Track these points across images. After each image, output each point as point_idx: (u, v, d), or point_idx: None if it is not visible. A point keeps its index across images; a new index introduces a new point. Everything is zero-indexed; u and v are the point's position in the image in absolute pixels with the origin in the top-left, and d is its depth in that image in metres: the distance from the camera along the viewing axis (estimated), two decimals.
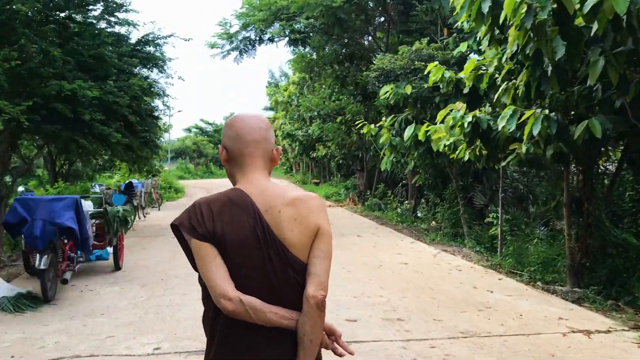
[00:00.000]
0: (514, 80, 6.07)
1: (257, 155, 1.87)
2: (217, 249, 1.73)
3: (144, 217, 15.99)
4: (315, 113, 25.07)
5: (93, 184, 8.07)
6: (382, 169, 14.59)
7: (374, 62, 11.51)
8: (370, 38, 19.29)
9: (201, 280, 1.80)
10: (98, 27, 11.50)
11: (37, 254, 6.41)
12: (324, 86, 24.51)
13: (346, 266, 8.62)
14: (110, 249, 8.41)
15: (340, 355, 1.92)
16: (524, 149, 6.46)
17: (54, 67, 9.20)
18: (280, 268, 1.74)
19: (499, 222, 9.30)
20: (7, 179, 16.05)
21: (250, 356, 1.77)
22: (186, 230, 1.76)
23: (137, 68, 12.28)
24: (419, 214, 15.38)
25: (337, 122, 20.88)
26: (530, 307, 6.28)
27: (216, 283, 1.71)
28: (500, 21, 5.30)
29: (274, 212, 1.77)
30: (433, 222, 13.84)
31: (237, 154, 1.86)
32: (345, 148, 21.42)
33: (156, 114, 13.97)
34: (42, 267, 6.32)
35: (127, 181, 14.62)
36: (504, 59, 6.18)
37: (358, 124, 12.18)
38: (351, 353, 1.90)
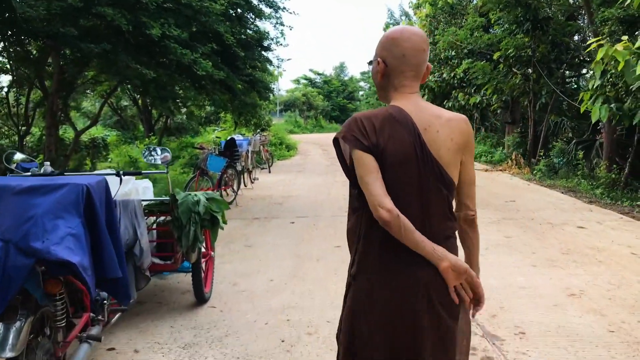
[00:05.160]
0: None
1: (417, 77, 1.91)
2: (377, 162, 1.78)
3: (252, 183, 12.34)
4: (453, 52, 20.21)
5: (148, 147, 4.06)
6: (592, 120, 9.82)
7: None
8: None
9: (354, 189, 1.89)
10: None
11: None
12: (466, 17, 19.52)
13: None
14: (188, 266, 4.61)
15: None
16: None
17: None
18: (434, 185, 1.81)
19: None
20: (66, 131, 12.76)
21: (408, 270, 1.81)
22: (349, 142, 1.81)
23: None
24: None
25: (495, 59, 15.91)
26: None
27: (378, 192, 1.76)
28: None
29: (432, 131, 1.83)
30: None
31: (398, 73, 1.89)
32: (505, 94, 16.45)
33: (266, 43, 9.95)
34: (8, 354, 2.56)
35: (228, 138, 10.91)
36: None
37: (592, 43, 7.40)
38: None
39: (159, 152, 3.99)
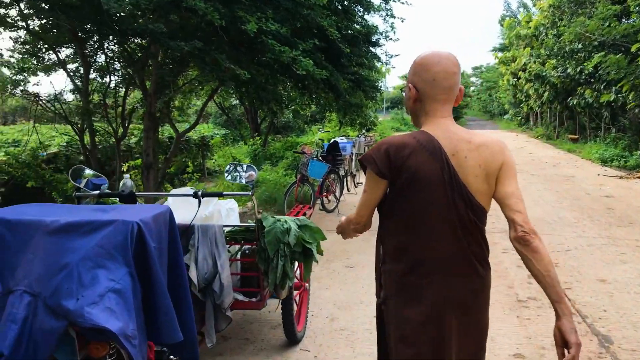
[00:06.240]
0: None
1: (448, 100, 1.90)
2: (400, 189, 1.85)
3: (356, 187, 11.58)
4: (580, 45, 18.18)
5: (233, 162, 3.37)
6: None
7: None
8: None
9: (384, 209, 1.96)
10: None
11: None
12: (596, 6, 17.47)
13: None
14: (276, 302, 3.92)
15: None
16: None
17: None
18: (463, 210, 1.81)
19: None
20: (166, 132, 12.54)
21: (432, 287, 1.87)
22: (369, 163, 1.89)
23: None
24: None
25: (632, 52, 13.99)
26: None
27: (364, 210, 1.98)
28: None
29: (460, 156, 1.83)
30: None
31: (429, 97, 1.90)
32: None
33: (374, 38, 9.13)
34: None
35: (331, 140, 10.24)
36: None
37: None
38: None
39: (244, 168, 3.33)
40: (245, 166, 3.33)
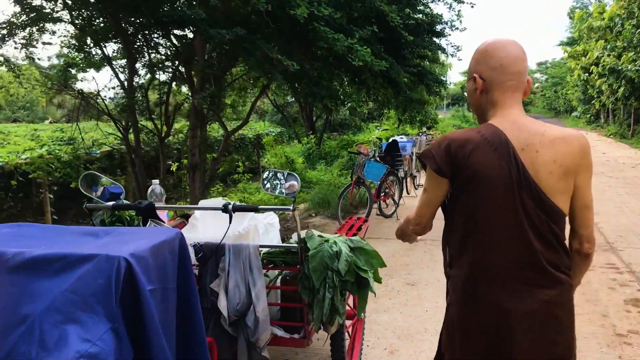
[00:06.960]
0: None
1: (517, 88, 1.74)
2: (461, 188, 1.70)
3: (416, 189, 10.81)
4: None
5: (272, 169, 2.73)
6: None
7: None
8: None
9: (447, 209, 1.81)
10: None
11: None
12: None
13: None
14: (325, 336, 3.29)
15: None
16: None
17: None
18: (534, 211, 1.63)
19: None
20: (219, 129, 12.07)
21: (496, 302, 1.68)
22: (428, 160, 1.74)
23: None
24: None
25: None
26: None
27: (424, 210, 1.82)
28: None
29: (531, 151, 1.64)
30: None
31: (497, 86, 1.73)
32: None
33: (439, 28, 8.35)
34: None
35: (390, 139, 9.53)
36: None
37: None
38: None
39: (284, 176, 2.72)
40: (285, 174, 2.72)
